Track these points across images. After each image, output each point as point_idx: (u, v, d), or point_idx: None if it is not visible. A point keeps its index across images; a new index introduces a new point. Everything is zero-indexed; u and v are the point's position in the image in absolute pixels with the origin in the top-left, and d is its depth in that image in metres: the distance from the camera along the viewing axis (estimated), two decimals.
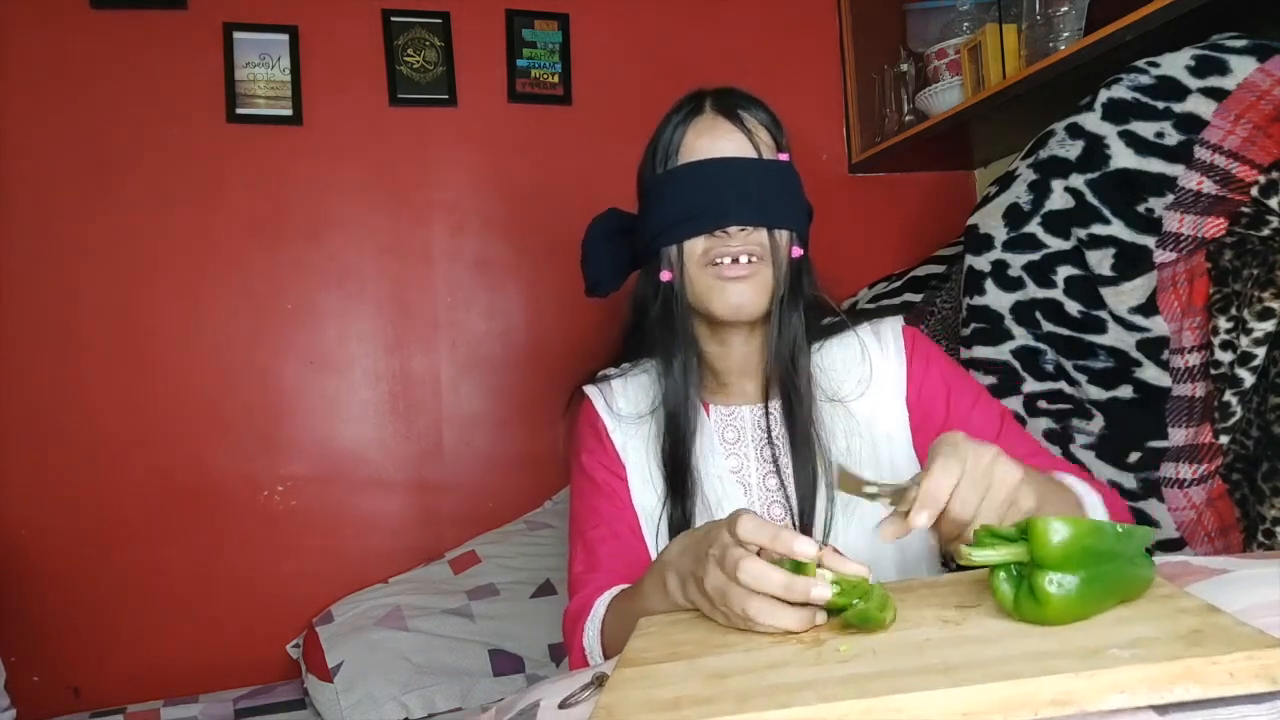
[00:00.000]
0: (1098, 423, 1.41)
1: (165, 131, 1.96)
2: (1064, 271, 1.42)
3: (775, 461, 1.06)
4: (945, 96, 1.96)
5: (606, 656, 0.95)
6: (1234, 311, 1.21)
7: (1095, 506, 0.90)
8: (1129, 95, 1.34)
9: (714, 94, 1.07)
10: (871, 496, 0.76)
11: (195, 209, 1.97)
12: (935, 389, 1.06)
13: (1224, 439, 1.23)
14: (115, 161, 1.93)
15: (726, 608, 0.70)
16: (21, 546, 1.86)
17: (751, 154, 1.03)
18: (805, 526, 1.02)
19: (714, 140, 1.03)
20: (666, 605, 0.81)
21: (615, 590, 0.97)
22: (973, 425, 1.02)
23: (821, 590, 0.65)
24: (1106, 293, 1.37)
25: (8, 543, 1.85)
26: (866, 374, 1.07)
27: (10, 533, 1.86)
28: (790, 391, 1.05)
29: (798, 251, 1.05)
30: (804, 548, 0.67)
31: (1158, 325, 1.31)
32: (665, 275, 1.05)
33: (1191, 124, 1.28)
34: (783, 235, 1.03)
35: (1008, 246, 1.49)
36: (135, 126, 1.94)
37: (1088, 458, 1.41)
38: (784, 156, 1.06)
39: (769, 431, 1.07)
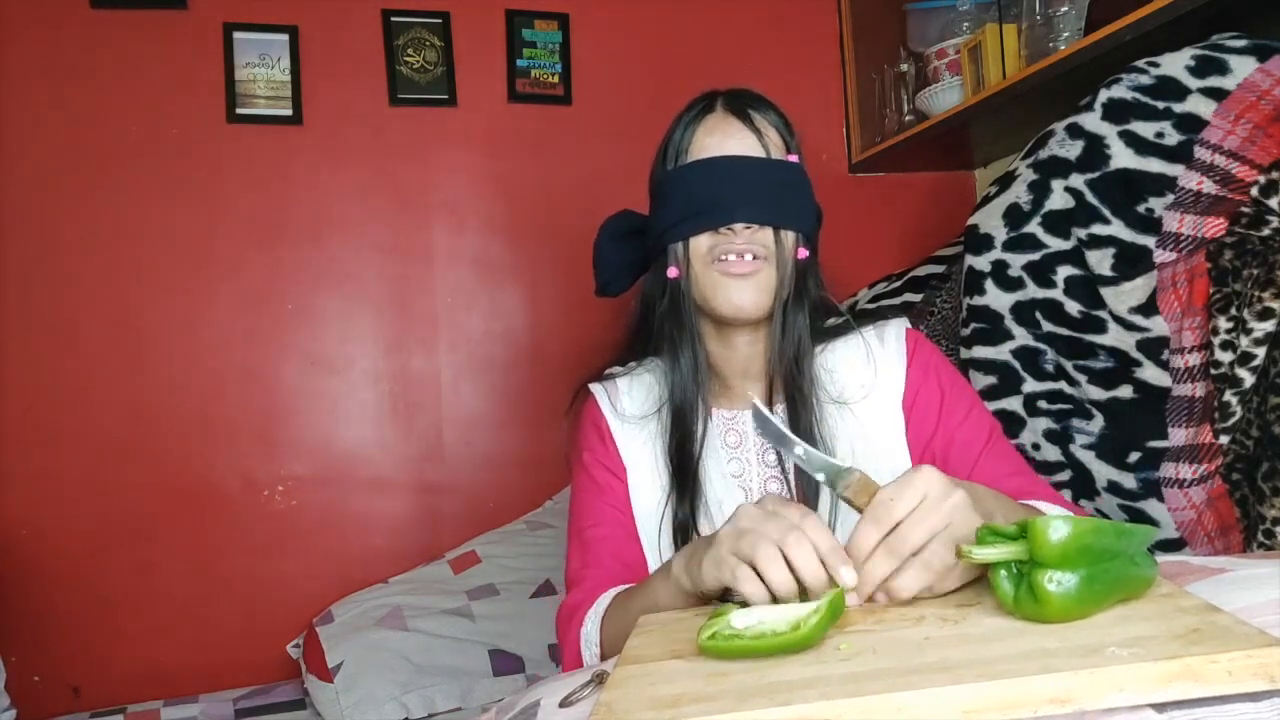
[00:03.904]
0: (1098, 423, 1.41)
1: (165, 131, 1.96)
2: (1064, 271, 1.42)
3: (780, 465, 1.06)
4: (945, 96, 1.96)
5: (603, 652, 0.95)
6: (1234, 311, 1.21)
7: None
8: (1129, 95, 1.34)
9: (726, 94, 1.07)
10: (799, 459, 0.79)
11: (195, 209, 1.97)
12: (930, 399, 1.05)
13: (1224, 439, 1.23)
14: (115, 161, 1.93)
15: (741, 545, 0.73)
16: (21, 546, 1.86)
17: (760, 154, 1.03)
18: None
19: (723, 139, 1.03)
20: (668, 590, 0.83)
21: (620, 588, 0.97)
22: (958, 441, 1.03)
23: (848, 575, 0.69)
24: (1106, 293, 1.37)
25: (8, 543, 1.85)
26: (871, 377, 1.06)
27: (10, 533, 1.86)
28: (794, 393, 1.04)
29: (803, 253, 1.04)
30: (848, 576, 0.70)
31: (1158, 325, 1.31)
32: (672, 272, 1.05)
33: (1191, 124, 1.28)
34: (788, 236, 1.03)
35: (1008, 246, 1.49)
36: (135, 127, 1.94)
37: (1088, 458, 1.41)
38: (794, 158, 1.06)
39: None
